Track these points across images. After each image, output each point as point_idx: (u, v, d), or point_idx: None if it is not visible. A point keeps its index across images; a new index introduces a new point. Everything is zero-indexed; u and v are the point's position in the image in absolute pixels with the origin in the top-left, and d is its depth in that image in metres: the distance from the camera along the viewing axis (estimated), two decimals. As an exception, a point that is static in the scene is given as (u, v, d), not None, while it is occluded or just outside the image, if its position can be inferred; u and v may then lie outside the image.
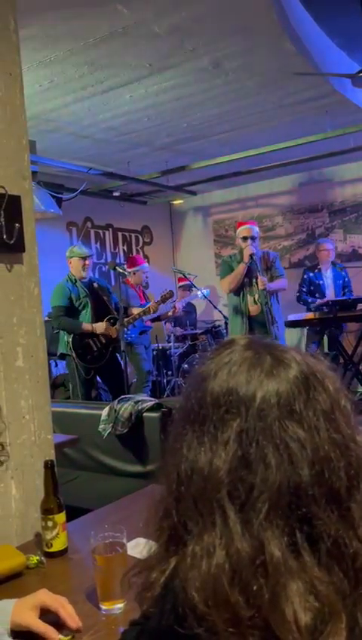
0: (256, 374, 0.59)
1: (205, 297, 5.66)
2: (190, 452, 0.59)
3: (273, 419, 0.57)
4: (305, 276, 5.60)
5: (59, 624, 1.05)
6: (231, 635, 0.53)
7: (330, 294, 5.42)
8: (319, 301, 5.30)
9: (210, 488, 0.56)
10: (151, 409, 2.68)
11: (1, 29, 1.57)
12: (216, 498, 0.56)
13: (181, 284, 6.63)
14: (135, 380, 5.15)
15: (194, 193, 7.41)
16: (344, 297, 5.22)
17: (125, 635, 0.72)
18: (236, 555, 0.54)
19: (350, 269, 5.74)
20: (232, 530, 0.55)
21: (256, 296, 4.52)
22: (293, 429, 0.56)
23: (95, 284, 4.66)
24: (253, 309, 4.55)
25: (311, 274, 5.54)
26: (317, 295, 5.44)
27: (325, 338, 5.38)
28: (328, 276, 5.52)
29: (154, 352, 5.70)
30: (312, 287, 5.49)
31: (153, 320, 5.23)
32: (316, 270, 5.56)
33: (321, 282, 5.49)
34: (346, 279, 5.54)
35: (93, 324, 4.47)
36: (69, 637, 1.04)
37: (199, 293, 5.66)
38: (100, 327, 4.47)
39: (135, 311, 4.85)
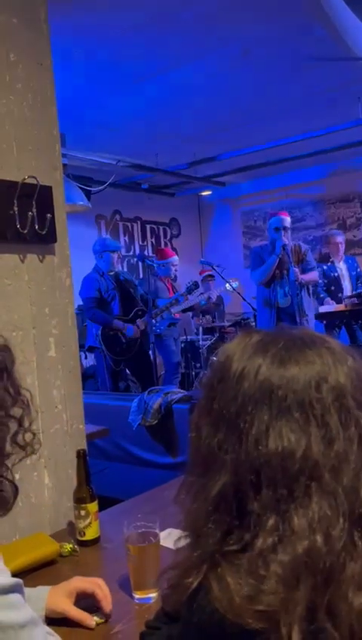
0: (327, 358, 0.61)
1: (233, 289, 5.62)
2: (270, 439, 0.57)
3: (354, 399, 0.59)
4: (319, 269, 5.37)
5: (92, 608, 1.06)
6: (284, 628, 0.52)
7: (348, 287, 5.25)
8: (328, 300, 5.12)
9: (306, 472, 0.56)
10: (180, 401, 2.68)
11: (32, 19, 1.57)
12: (304, 482, 0.56)
13: (202, 275, 6.57)
14: (164, 371, 5.16)
15: (222, 184, 7.34)
16: None
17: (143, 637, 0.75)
18: (322, 541, 0.54)
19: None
20: (322, 515, 0.55)
21: (287, 289, 4.46)
22: None
23: (121, 277, 4.70)
24: (284, 301, 4.49)
25: (325, 267, 5.33)
26: (332, 288, 5.23)
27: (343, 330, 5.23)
28: (342, 267, 5.34)
29: (182, 345, 5.70)
30: (327, 281, 5.25)
31: (184, 310, 5.24)
32: (329, 263, 5.36)
33: (336, 274, 5.29)
34: (359, 270, 5.38)
35: (125, 325, 4.49)
36: (103, 620, 1.05)
37: (228, 286, 5.61)
38: (130, 329, 4.50)
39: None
